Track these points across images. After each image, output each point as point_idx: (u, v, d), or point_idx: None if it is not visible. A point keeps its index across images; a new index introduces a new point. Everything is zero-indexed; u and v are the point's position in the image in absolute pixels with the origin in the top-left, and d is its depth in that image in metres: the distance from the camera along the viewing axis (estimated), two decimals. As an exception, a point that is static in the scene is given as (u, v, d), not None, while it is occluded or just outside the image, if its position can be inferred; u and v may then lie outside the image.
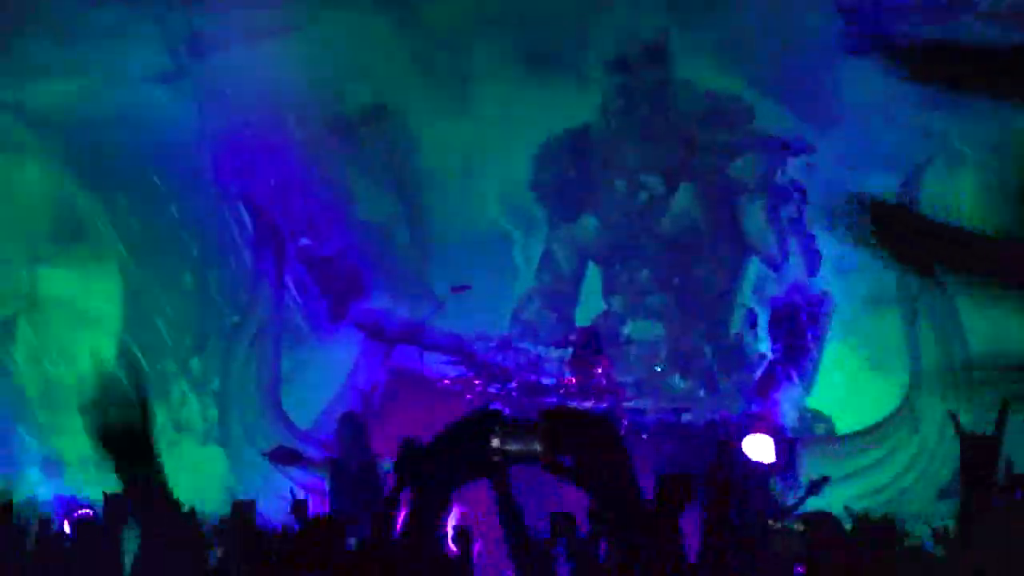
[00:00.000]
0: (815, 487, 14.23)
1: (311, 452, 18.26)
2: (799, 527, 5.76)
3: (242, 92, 18.73)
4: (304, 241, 19.50)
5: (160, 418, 19.06)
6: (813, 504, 15.06)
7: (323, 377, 19.35)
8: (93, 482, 17.48)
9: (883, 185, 18.76)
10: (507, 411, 16.25)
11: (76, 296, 18.89)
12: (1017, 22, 18.53)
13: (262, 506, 16.81)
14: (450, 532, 9.87)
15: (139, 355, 19.05)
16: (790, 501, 15.95)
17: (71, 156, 18.73)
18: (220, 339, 19.54)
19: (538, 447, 3.57)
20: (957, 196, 18.60)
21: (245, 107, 18.89)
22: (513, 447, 3.54)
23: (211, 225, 19.47)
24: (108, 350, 19.03)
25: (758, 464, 15.88)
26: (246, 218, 19.47)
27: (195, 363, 19.44)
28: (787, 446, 17.59)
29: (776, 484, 16.50)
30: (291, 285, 19.40)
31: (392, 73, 19.09)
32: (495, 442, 3.43)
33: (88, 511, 14.91)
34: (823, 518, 5.55)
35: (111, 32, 18.61)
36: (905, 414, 18.35)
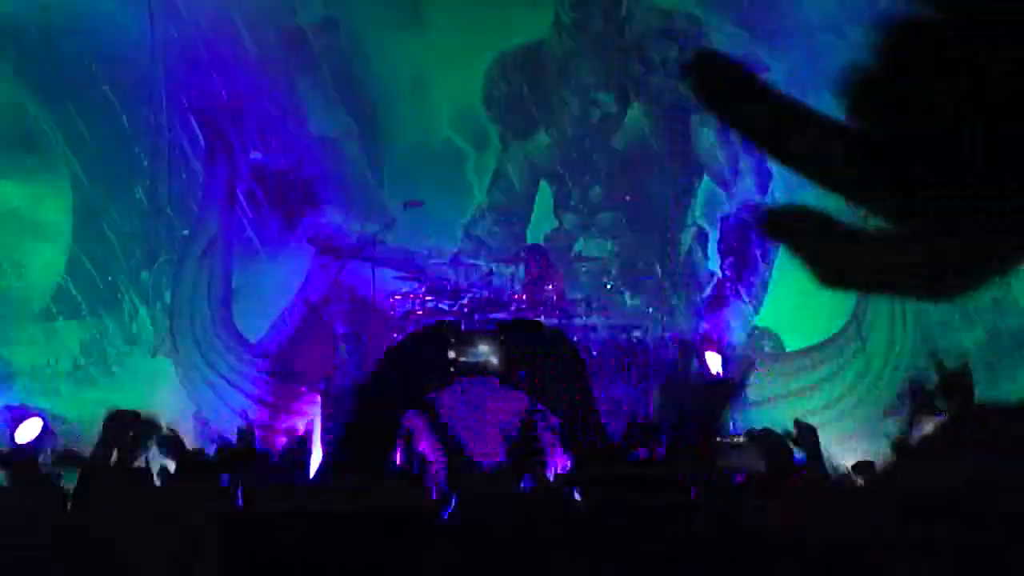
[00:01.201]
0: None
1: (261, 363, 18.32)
2: (742, 440, 5.85)
3: (194, 3, 18.60)
4: (256, 155, 19.42)
5: (111, 329, 19.08)
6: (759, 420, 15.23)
7: (274, 291, 19.35)
8: (43, 392, 17.54)
9: (832, 102, 18.85)
10: (462, 325, 16.33)
11: (26, 207, 18.78)
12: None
13: (211, 417, 16.92)
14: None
15: (90, 267, 19.00)
16: (738, 416, 16.10)
17: (22, 66, 18.57)
18: (171, 252, 19.50)
19: (494, 359, 3.58)
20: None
21: (197, 19, 18.76)
22: (470, 359, 3.56)
23: (162, 137, 19.37)
24: (59, 261, 19.00)
25: (713, 378, 16.06)
26: (197, 131, 19.37)
27: (145, 275, 19.39)
28: (736, 362, 17.75)
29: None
30: (242, 199, 19.33)
31: (345, -14, 19.04)
32: (452, 354, 3.44)
33: (38, 419, 15.01)
34: (767, 433, 5.65)
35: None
36: (852, 332, 18.53)
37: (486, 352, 3.55)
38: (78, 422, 14.94)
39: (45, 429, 14.76)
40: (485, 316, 16.68)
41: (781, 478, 5.27)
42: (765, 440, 5.59)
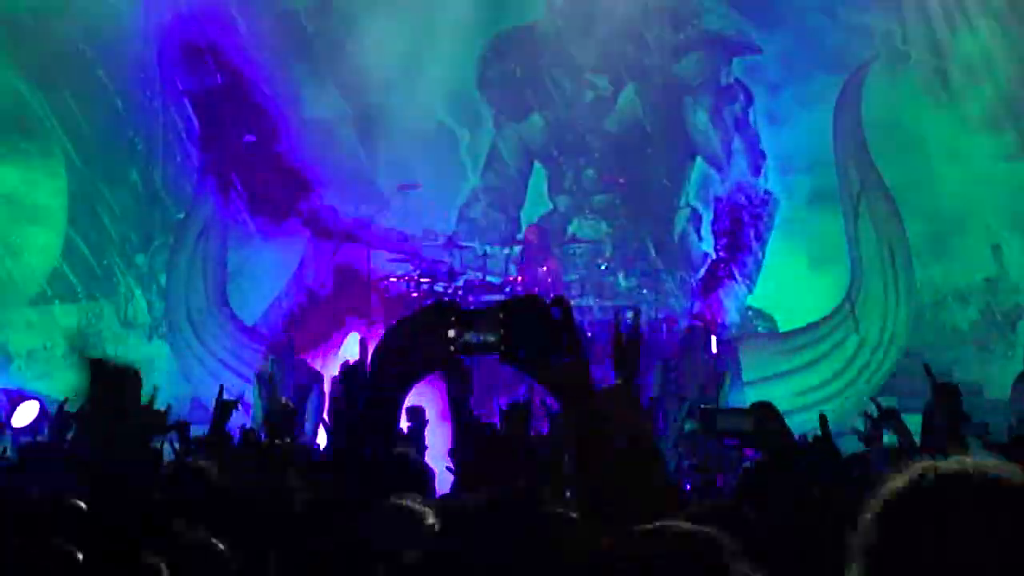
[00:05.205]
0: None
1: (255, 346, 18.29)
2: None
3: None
4: (250, 138, 19.43)
5: (107, 313, 19.12)
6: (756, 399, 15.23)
7: (269, 274, 19.38)
8: (39, 375, 17.56)
9: (825, 84, 18.88)
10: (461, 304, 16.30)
11: (22, 192, 18.79)
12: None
13: (208, 400, 16.95)
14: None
15: (85, 251, 19.03)
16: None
17: (16, 51, 18.56)
18: (166, 235, 19.52)
19: (494, 338, 3.61)
20: (898, 96, 18.76)
21: (191, 3, 18.81)
22: (470, 339, 3.58)
23: (156, 120, 19.39)
24: (54, 245, 19.02)
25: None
26: (192, 114, 19.39)
27: (141, 259, 19.42)
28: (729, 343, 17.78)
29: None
30: (237, 182, 19.33)
31: (338, -32, 19.04)
32: (452, 333, 3.48)
33: (35, 402, 15.03)
34: (764, 405, 5.67)
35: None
36: (845, 312, 18.55)
37: (486, 331, 3.64)
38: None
39: (42, 412, 14.79)
40: (480, 298, 16.73)
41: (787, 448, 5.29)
42: (761, 409, 5.60)
